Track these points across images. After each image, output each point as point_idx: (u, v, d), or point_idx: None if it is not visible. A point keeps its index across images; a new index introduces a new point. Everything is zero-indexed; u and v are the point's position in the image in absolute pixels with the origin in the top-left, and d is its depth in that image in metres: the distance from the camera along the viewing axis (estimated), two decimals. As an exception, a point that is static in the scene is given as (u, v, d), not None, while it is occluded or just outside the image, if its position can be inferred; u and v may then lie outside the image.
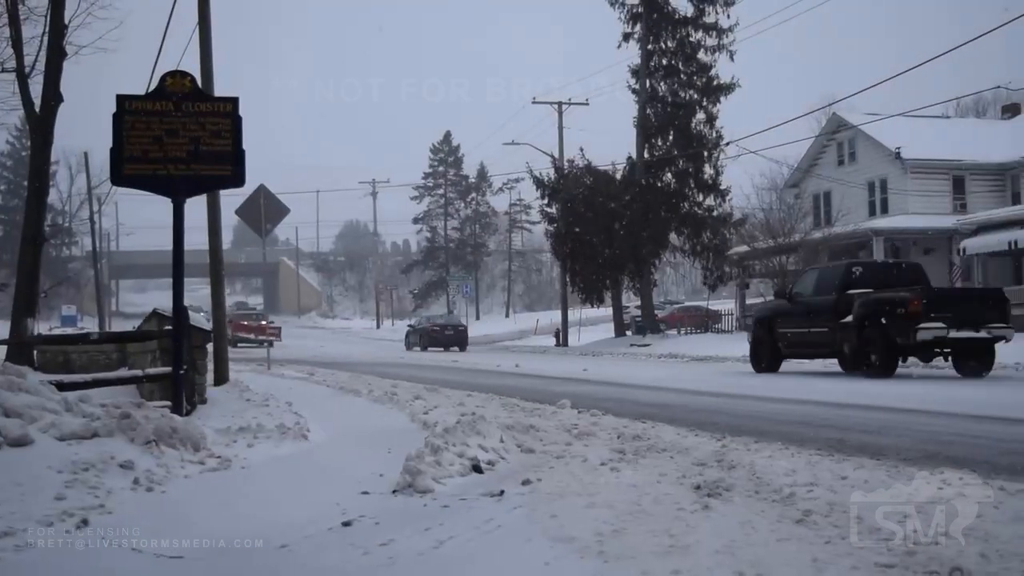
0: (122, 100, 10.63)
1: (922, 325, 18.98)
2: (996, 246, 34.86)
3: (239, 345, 50.73)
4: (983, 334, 19.58)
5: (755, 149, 67.51)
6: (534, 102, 54.99)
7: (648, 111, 46.88)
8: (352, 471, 7.94)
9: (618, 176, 47.62)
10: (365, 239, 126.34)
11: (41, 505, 6.31)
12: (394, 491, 7.14)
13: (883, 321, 19.73)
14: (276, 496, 7.25)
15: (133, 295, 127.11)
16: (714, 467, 7.73)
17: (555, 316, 61.66)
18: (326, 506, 6.69)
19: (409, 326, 59.44)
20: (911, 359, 20.99)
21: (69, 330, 53.51)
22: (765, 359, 23.59)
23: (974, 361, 19.95)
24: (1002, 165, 43.44)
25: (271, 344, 50.74)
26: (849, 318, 20.61)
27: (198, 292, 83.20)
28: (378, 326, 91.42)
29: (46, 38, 17.60)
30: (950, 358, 20.43)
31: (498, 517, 6.21)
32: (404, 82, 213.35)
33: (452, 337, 51.01)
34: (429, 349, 50.42)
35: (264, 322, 59.28)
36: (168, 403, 10.63)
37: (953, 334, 19.16)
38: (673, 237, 47.87)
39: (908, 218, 41.82)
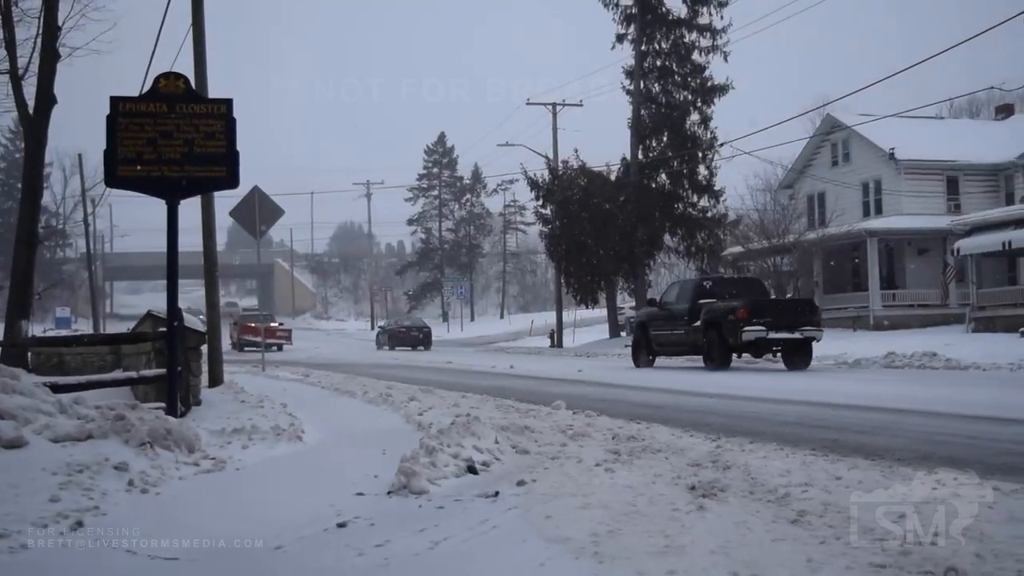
0: (116, 102, 10.62)
1: (746, 328, 23.63)
2: (990, 246, 34.91)
3: (245, 350, 49.57)
4: (797, 335, 24.02)
5: (749, 150, 67.46)
6: (528, 103, 55.07)
7: (642, 112, 46.92)
8: (347, 472, 7.93)
9: (612, 177, 47.65)
10: (360, 240, 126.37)
11: (36, 507, 6.30)
12: (389, 492, 7.13)
13: (720, 325, 24.35)
14: (271, 497, 7.25)
15: (127, 297, 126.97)
16: (709, 468, 7.73)
17: (550, 317, 61.70)
18: (321, 507, 6.68)
19: (379, 327, 64.70)
20: (767, 355, 25.59)
21: (63, 332, 53.49)
22: (642, 356, 27.97)
23: (797, 357, 24.22)
24: (996, 166, 43.51)
25: (279, 348, 50.09)
26: (698, 323, 25.32)
27: (192, 294, 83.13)
28: (372, 327, 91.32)
29: (39, 40, 17.56)
30: (779, 354, 24.93)
31: (493, 518, 6.21)
32: (398, 83, 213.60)
33: (416, 337, 55.76)
34: (396, 348, 54.76)
35: (273, 324, 53.39)
36: (163, 405, 10.63)
37: (772, 335, 23.81)
38: (667, 238, 47.91)
39: (902, 219, 41.87)
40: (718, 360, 24.60)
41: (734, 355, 25.09)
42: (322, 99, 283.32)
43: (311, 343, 62.27)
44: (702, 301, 25.81)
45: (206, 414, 12.05)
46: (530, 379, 22.11)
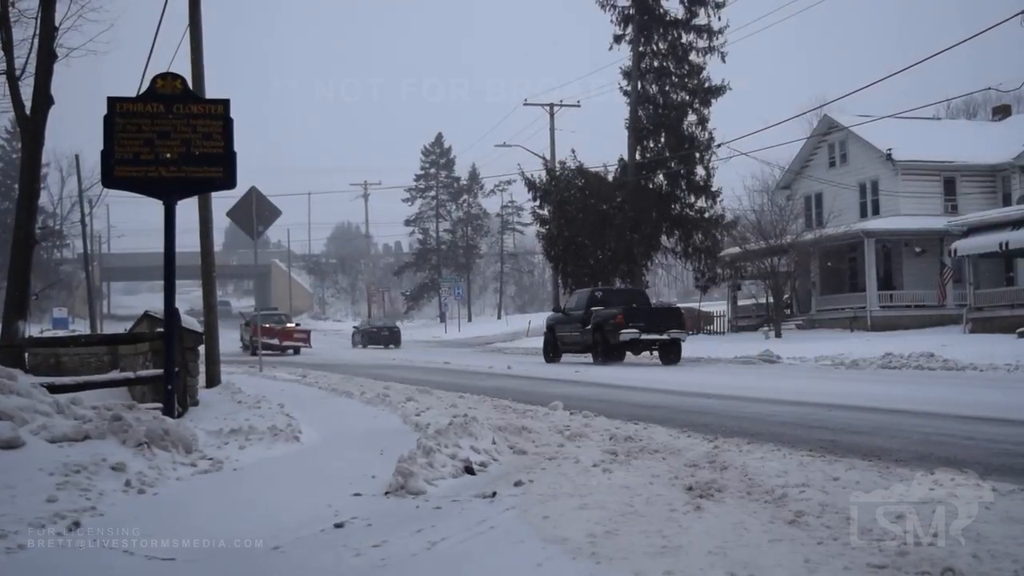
0: (113, 102, 10.62)
1: (623, 331, 29.20)
2: (987, 247, 34.93)
3: (256, 353, 45.08)
4: (665, 336, 29.61)
5: (747, 151, 67.51)
6: (526, 104, 55.07)
7: (640, 113, 46.90)
8: (344, 473, 7.93)
9: (610, 178, 47.62)
10: (357, 241, 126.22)
11: (33, 507, 6.30)
12: (386, 492, 7.13)
13: (603, 328, 29.88)
14: (268, 498, 7.24)
15: (125, 297, 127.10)
16: (706, 468, 7.73)
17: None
18: (318, 508, 6.68)
19: (354, 327, 69.40)
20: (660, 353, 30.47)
21: (60, 332, 53.43)
22: (551, 353, 33.58)
23: (669, 354, 29.73)
24: (993, 166, 43.56)
25: (297, 352, 47.19)
26: (590, 326, 30.70)
27: (190, 294, 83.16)
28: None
29: (36, 40, 17.54)
30: (656, 352, 30.40)
31: (490, 518, 6.21)
32: (396, 84, 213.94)
33: (387, 336, 61.32)
34: (368, 346, 60.03)
35: (290, 325, 50.90)
36: (160, 405, 10.61)
37: (644, 336, 29.42)
38: (665, 239, 47.89)
39: (899, 219, 41.91)
40: (603, 356, 30.01)
41: (628, 352, 30.32)
42: (319, 99, 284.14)
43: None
44: (593, 308, 31.32)
45: (203, 414, 12.04)
46: (527, 380, 22.11)
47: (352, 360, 37.77)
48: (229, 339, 58.50)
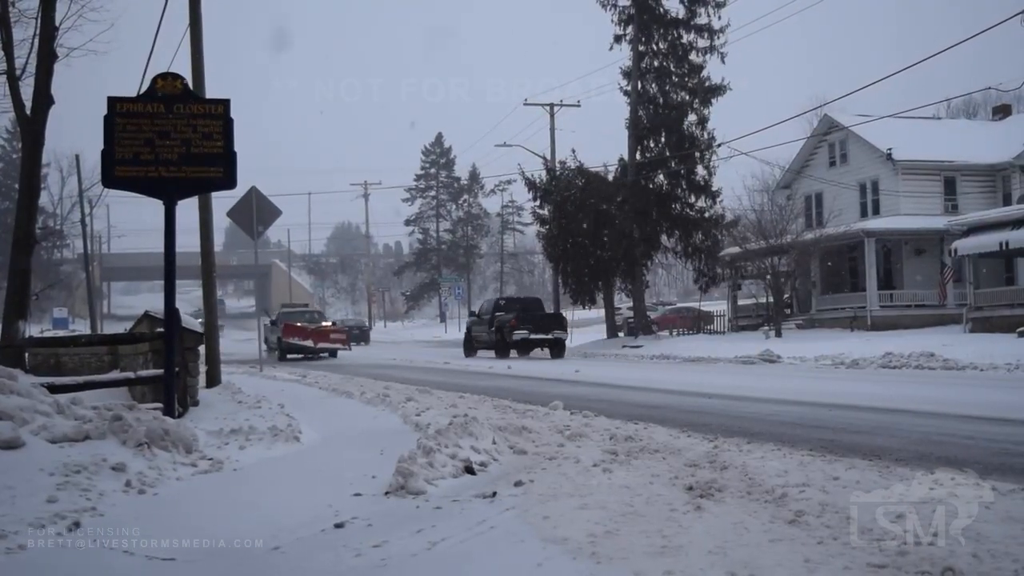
0: (113, 102, 10.61)
1: (516, 332, 36.88)
2: (987, 247, 34.89)
3: (288, 357, 39.11)
4: (550, 336, 37.52)
5: (747, 150, 67.58)
6: (526, 104, 54.99)
7: (640, 112, 46.85)
8: (344, 473, 7.93)
9: (610, 177, 47.55)
10: (357, 241, 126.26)
11: (33, 507, 6.30)
12: (387, 493, 7.13)
13: (502, 330, 37.41)
14: (268, 498, 7.24)
15: (125, 297, 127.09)
16: (706, 468, 7.74)
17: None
18: (318, 508, 6.69)
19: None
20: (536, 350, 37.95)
21: (61, 332, 53.42)
22: (469, 350, 40.61)
23: (555, 350, 37.48)
24: (993, 166, 43.51)
25: (333, 355, 39.70)
26: (494, 327, 37.97)
27: (190, 294, 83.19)
28: (370, 328, 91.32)
29: (37, 40, 17.53)
30: (547, 348, 37.86)
31: (491, 518, 6.21)
32: (396, 84, 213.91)
33: (357, 334, 64.09)
34: None
35: (326, 324, 42.60)
36: (160, 405, 10.61)
37: (532, 336, 37.21)
38: (665, 238, 47.84)
39: (900, 219, 41.87)
40: (502, 352, 37.51)
41: (522, 349, 37.79)
42: (319, 99, 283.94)
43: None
44: (497, 313, 38.95)
45: (203, 415, 12.04)
46: (527, 379, 22.11)
47: (351, 360, 37.74)
48: (230, 339, 58.49)
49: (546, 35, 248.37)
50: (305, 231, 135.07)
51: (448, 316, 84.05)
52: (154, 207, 10.85)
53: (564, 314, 42.61)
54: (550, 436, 10.10)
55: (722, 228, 46.50)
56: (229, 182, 11.08)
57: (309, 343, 38.93)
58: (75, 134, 47.70)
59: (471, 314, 44.75)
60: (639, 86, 46.74)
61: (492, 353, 38.19)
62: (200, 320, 17.18)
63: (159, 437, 8.41)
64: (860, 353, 26.78)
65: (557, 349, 37.42)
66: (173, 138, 10.63)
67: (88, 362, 17.20)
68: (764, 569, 4.80)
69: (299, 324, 40.16)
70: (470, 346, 40.68)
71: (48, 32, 17.05)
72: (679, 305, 70.83)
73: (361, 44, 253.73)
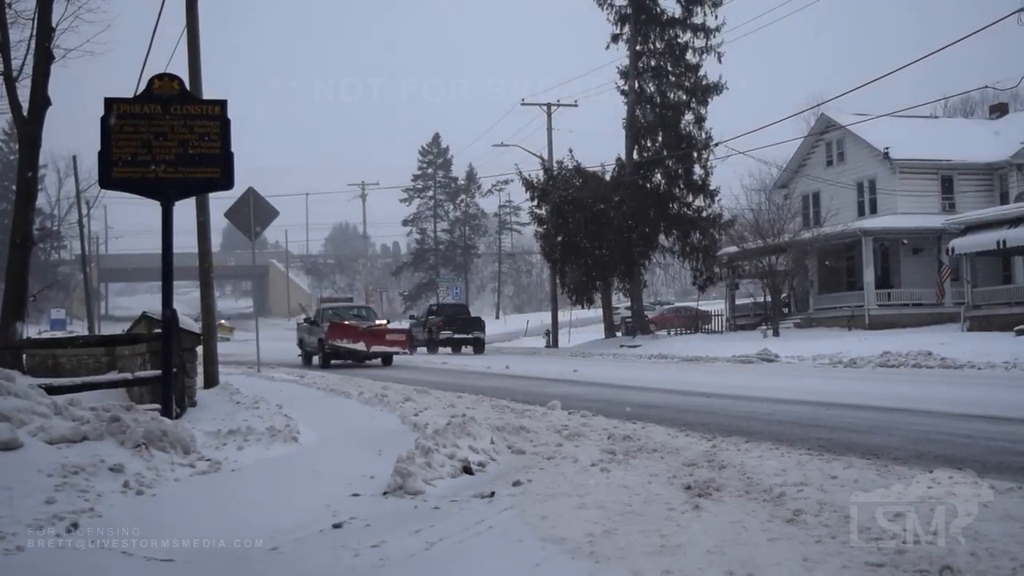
0: (110, 103, 10.60)
1: (443, 332, 44.06)
2: (985, 245, 34.91)
3: (333, 363, 31.80)
4: (471, 335, 44.30)
5: (744, 150, 67.62)
6: (523, 103, 54.97)
7: (637, 112, 46.86)
8: (342, 473, 7.93)
9: (607, 177, 47.56)
10: (355, 241, 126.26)
11: (31, 508, 6.29)
12: (385, 493, 7.13)
13: (431, 330, 44.69)
14: (266, 498, 7.24)
15: (122, 298, 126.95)
16: (704, 467, 7.74)
17: (545, 317, 61.68)
18: (316, 508, 6.69)
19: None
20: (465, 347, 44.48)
21: (58, 334, 53.35)
22: (413, 346, 42.97)
23: (476, 348, 43.98)
24: (990, 165, 43.54)
25: (387, 362, 32.23)
26: (426, 328, 45.14)
27: (188, 295, 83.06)
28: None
29: (34, 41, 17.53)
30: (471, 347, 44.27)
31: (489, 518, 6.21)
32: (393, 84, 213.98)
33: None
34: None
35: (380, 323, 34.53)
36: (158, 406, 10.61)
37: (456, 336, 44.36)
38: (662, 238, 47.86)
39: (897, 218, 41.88)
40: (433, 349, 44.10)
41: (464, 347, 44.45)
42: (317, 100, 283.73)
43: None
44: (430, 316, 46.77)
45: (201, 415, 12.04)
46: (526, 379, 22.10)
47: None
48: (232, 340, 58.41)
49: (544, 35, 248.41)
50: (303, 232, 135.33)
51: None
52: (152, 208, 10.84)
53: (482, 317, 50.91)
54: (548, 436, 10.10)
55: (720, 227, 46.51)
56: (226, 183, 11.08)
57: (360, 346, 31.53)
58: (72, 135, 47.72)
59: (411, 317, 55.59)
60: (636, 85, 46.75)
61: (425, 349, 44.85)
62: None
63: (157, 438, 8.41)
64: (858, 352, 26.79)
65: (477, 346, 44.31)
66: (170, 139, 10.62)
67: (86, 363, 17.20)
68: (762, 568, 4.81)
69: (348, 323, 32.35)
70: (411, 345, 42.93)
71: (45, 33, 17.06)
72: (677, 304, 70.93)
73: (360, 44, 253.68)
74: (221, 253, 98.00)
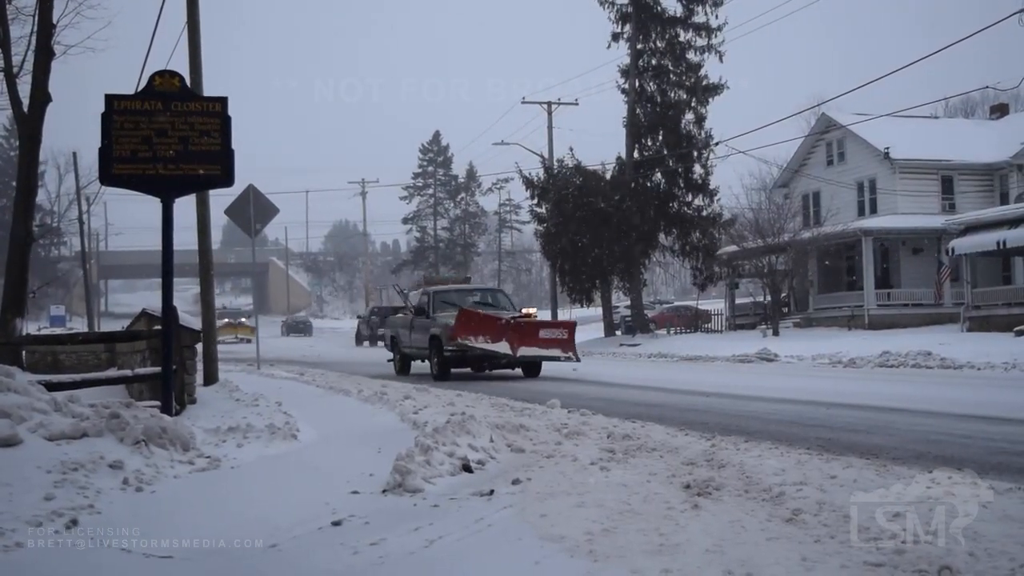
0: (111, 100, 10.60)
1: (380, 329, 45.49)
2: (985, 246, 34.91)
3: (446, 377, 22.00)
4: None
5: (744, 149, 67.69)
6: (524, 102, 54.96)
7: (637, 111, 46.86)
8: (342, 471, 7.93)
9: (608, 176, 47.55)
10: (355, 239, 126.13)
11: (30, 505, 6.29)
12: (384, 491, 7.13)
13: (372, 326, 52.15)
14: (265, 496, 7.24)
15: (122, 295, 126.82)
16: (704, 466, 7.74)
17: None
18: (316, 506, 6.68)
19: (282, 321, 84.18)
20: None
21: (58, 330, 53.28)
22: (361, 341, 53.38)
23: None
24: (990, 165, 43.54)
25: (533, 371, 22.71)
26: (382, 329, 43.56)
27: (188, 292, 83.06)
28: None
29: (34, 38, 17.54)
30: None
31: (488, 516, 6.21)
32: (393, 82, 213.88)
33: (303, 327, 78.52)
34: (290, 335, 75.56)
35: (529, 312, 25.81)
36: (157, 403, 10.61)
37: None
38: (662, 237, 47.87)
39: (897, 218, 41.89)
40: (370, 345, 50.96)
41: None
42: (318, 98, 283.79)
43: (305, 341, 62.28)
44: (372, 316, 53.18)
45: (201, 412, 12.04)
46: (525, 378, 22.08)
47: (349, 358, 37.72)
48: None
49: (544, 33, 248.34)
50: (303, 229, 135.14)
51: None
52: (152, 205, 10.84)
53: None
54: (548, 434, 10.10)
55: (720, 227, 46.52)
56: (227, 180, 11.07)
57: (503, 347, 21.52)
58: (73, 131, 47.62)
59: (359, 317, 64.46)
60: (637, 84, 46.76)
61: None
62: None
63: (156, 435, 8.41)
64: (857, 352, 26.80)
65: None
66: (171, 136, 10.61)
67: (85, 360, 17.20)
68: (761, 567, 4.81)
69: (485, 313, 22.48)
70: (368, 339, 53.83)
71: (45, 29, 17.06)
72: (677, 304, 70.95)
73: (360, 42, 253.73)
74: (221, 250, 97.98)
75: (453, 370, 22.34)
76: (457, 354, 21.87)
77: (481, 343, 21.49)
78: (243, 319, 63.04)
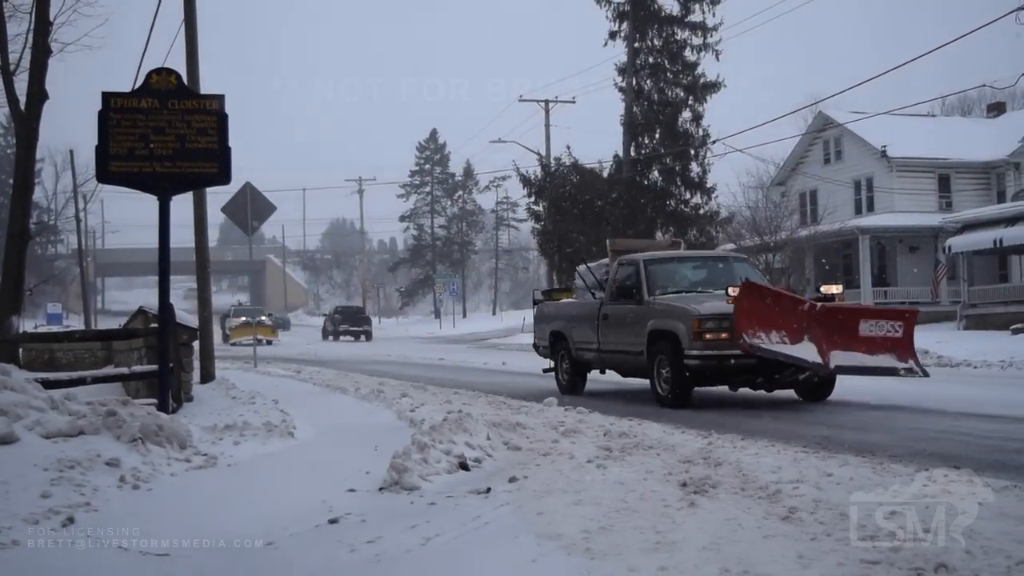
0: (107, 97, 10.59)
1: (341, 326, 62.79)
2: (981, 244, 34.93)
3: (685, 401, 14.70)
4: (361, 328, 62.27)
5: (741, 147, 67.64)
6: (521, 100, 55.02)
7: (635, 109, 46.83)
8: (339, 468, 7.93)
9: (605, 174, 47.54)
10: (352, 237, 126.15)
11: (27, 503, 6.29)
12: (381, 488, 7.13)
13: (335, 323, 64.37)
14: (262, 494, 7.24)
15: (119, 293, 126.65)
16: (700, 464, 7.74)
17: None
18: (312, 503, 6.69)
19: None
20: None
21: (55, 328, 53.21)
22: (325, 337, 64.02)
23: (365, 337, 61.13)
24: (987, 163, 43.56)
25: (827, 389, 14.18)
26: (329, 323, 64.54)
27: (183, 288, 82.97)
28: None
29: (31, 35, 17.51)
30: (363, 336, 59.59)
31: (485, 514, 6.21)
32: (390, 80, 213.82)
33: (280, 324, 77.64)
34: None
35: (834, 290, 14.33)
36: (154, 401, 10.60)
37: (351, 328, 62.36)
38: (659, 235, 47.82)
39: (894, 216, 41.91)
40: (334, 338, 60.83)
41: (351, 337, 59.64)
42: (316, 96, 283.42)
43: (303, 339, 62.24)
44: (335, 314, 64.98)
45: (198, 410, 12.04)
46: (522, 376, 22.10)
47: (346, 356, 37.72)
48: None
49: (541, 31, 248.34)
50: (300, 227, 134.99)
51: (443, 312, 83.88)
52: (149, 202, 10.84)
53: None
54: (544, 432, 10.10)
55: (717, 225, 46.50)
56: (224, 178, 11.07)
57: (811, 355, 12.75)
58: (69, 129, 47.58)
59: (324, 315, 74.39)
60: (634, 83, 46.74)
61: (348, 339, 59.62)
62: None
63: (153, 432, 8.41)
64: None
65: (365, 336, 61.02)
66: (167, 133, 10.61)
67: (82, 357, 17.18)
68: (757, 565, 4.81)
69: (778, 290, 14.61)
70: (333, 334, 63.40)
71: (42, 27, 17.02)
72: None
73: (358, 41, 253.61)
74: (218, 248, 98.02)
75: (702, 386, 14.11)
76: (711, 362, 13.16)
77: (777, 345, 12.70)
78: (262, 317, 52.47)
